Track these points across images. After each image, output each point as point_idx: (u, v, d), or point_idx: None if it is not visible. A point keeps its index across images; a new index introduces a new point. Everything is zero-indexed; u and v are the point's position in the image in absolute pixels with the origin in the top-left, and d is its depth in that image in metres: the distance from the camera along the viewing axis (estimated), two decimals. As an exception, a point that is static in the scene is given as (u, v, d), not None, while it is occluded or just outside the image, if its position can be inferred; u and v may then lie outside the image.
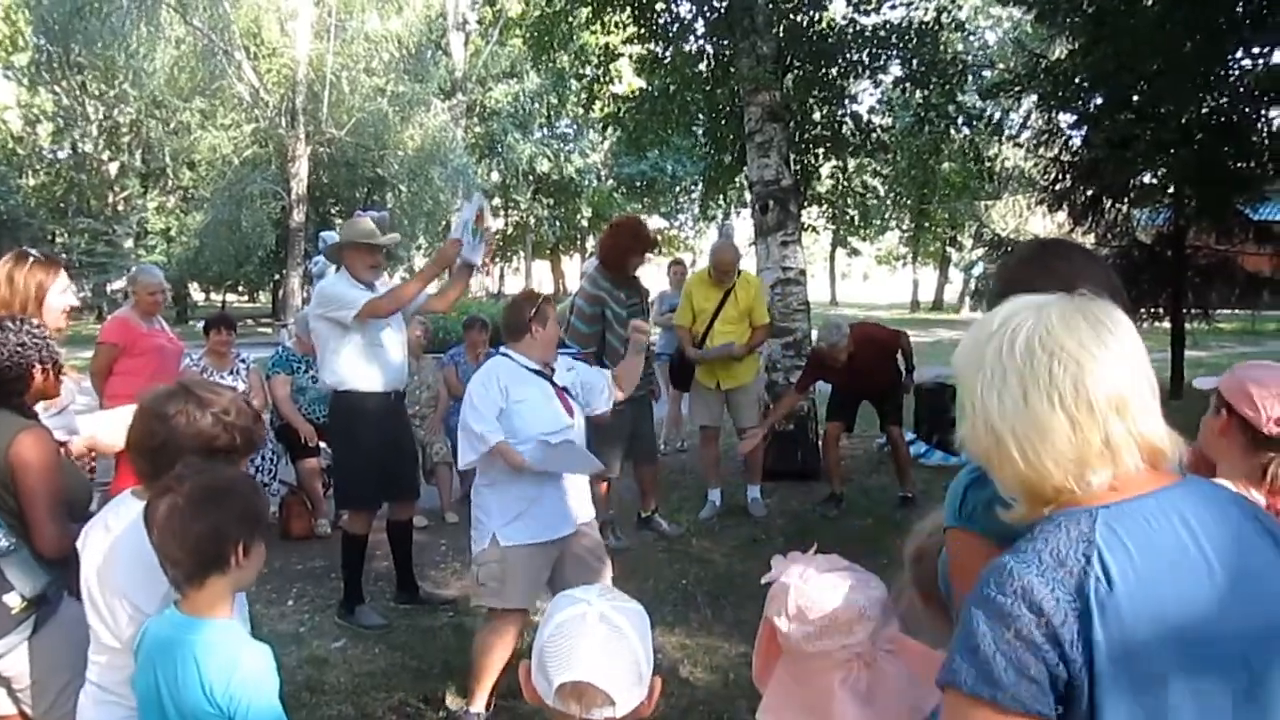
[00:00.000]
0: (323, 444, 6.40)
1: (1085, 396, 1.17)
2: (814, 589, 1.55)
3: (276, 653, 4.35)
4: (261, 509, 2.14)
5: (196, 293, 36.74)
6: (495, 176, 33.26)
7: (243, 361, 6.66)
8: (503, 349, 4.04)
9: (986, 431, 1.23)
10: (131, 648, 2.11)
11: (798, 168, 8.87)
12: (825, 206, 11.55)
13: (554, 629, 1.44)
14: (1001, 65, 16.73)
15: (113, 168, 28.86)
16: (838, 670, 1.54)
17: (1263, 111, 10.26)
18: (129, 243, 28.07)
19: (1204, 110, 9.97)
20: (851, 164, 11.11)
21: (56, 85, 26.26)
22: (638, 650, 1.44)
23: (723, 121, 9.55)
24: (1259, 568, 1.19)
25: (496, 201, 35.61)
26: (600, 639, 1.41)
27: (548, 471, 3.82)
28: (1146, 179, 11.16)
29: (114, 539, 2.18)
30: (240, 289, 36.73)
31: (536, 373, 3.94)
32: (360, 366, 4.87)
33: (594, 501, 6.30)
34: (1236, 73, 10.07)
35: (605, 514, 6.30)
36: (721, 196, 12.43)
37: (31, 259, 3.24)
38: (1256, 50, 9.83)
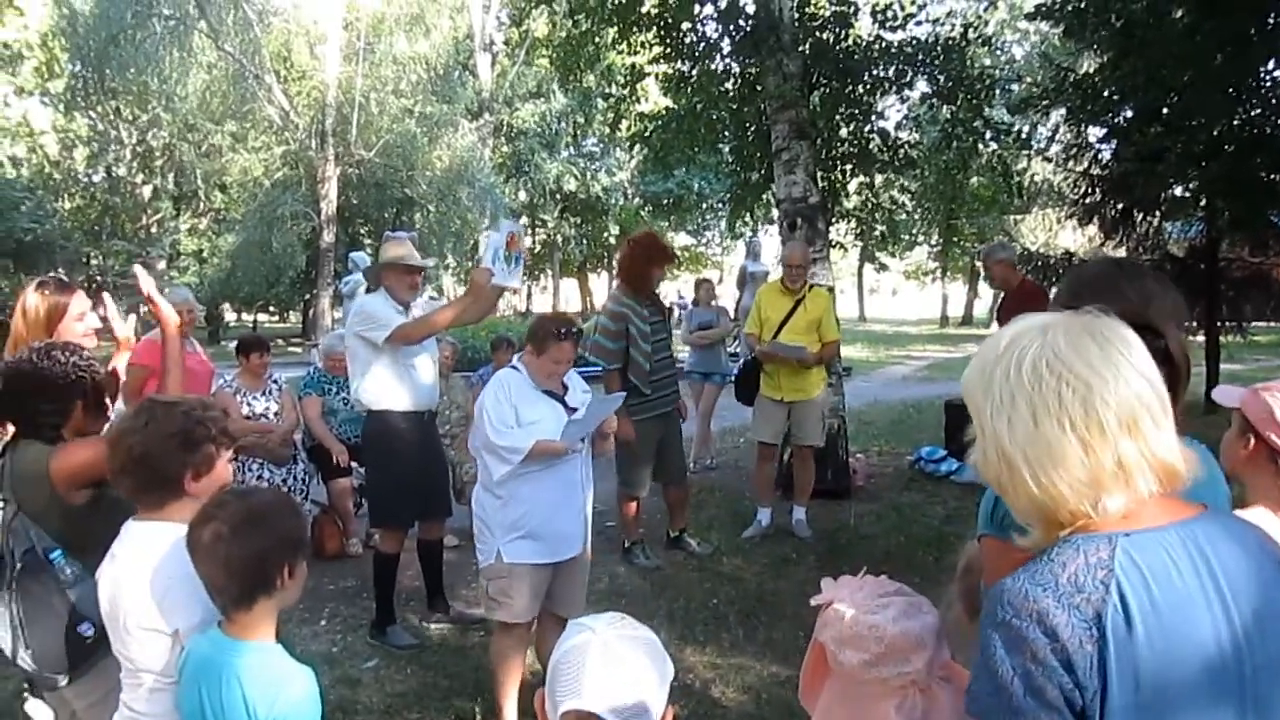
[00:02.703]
0: (354, 464, 6.45)
1: (1096, 418, 1.16)
2: (871, 615, 1.54)
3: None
4: (302, 529, 2.17)
5: (229, 313, 37.11)
6: (522, 196, 33.41)
7: (275, 382, 6.71)
8: (515, 361, 4.06)
9: (998, 457, 1.22)
10: (154, 667, 2.13)
11: (825, 184, 8.85)
12: (853, 223, 11.50)
13: (561, 655, 1.46)
14: (1029, 79, 16.68)
15: (146, 191, 29.28)
16: (893, 697, 1.53)
17: (1295, 122, 10.14)
18: (162, 264, 28.40)
19: (1235, 122, 9.87)
20: (879, 180, 11.07)
21: (91, 110, 26.70)
22: (643, 679, 1.44)
23: (749, 139, 9.55)
24: (1277, 608, 1.17)
25: (524, 220, 35.80)
26: (602, 668, 1.42)
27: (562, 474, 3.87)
28: (1178, 192, 11.05)
29: (123, 568, 2.21)
30: (271, 309, 37.03)
31: (547, 393, 3.93)
32: (392, 387, 4.91)
33: (622, 520, 6.35)
34: (1268, 83, 9.96)
35: (635, 533, 6.32)
36: (749, 214, 12.39)
37: (44, 287, 3.20)
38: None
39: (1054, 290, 10.98)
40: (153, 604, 2.13)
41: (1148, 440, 1.17)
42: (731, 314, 11.58)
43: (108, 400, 2.72)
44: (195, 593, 2.06)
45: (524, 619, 3.88)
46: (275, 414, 6.53)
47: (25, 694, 2.63)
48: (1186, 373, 1.61)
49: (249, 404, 6.44)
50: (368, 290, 6.68)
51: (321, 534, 6.56)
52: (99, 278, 31.30)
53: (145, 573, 2.15)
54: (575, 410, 3.95)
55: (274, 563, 2.00)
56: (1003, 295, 7.81)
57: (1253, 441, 2.13)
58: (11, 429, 2.61)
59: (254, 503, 2.06)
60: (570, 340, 3.90)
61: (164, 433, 2.20)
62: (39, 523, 2.50)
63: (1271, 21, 9.19)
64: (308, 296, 30.17)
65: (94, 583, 2.40)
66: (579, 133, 33.23)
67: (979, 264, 37.30)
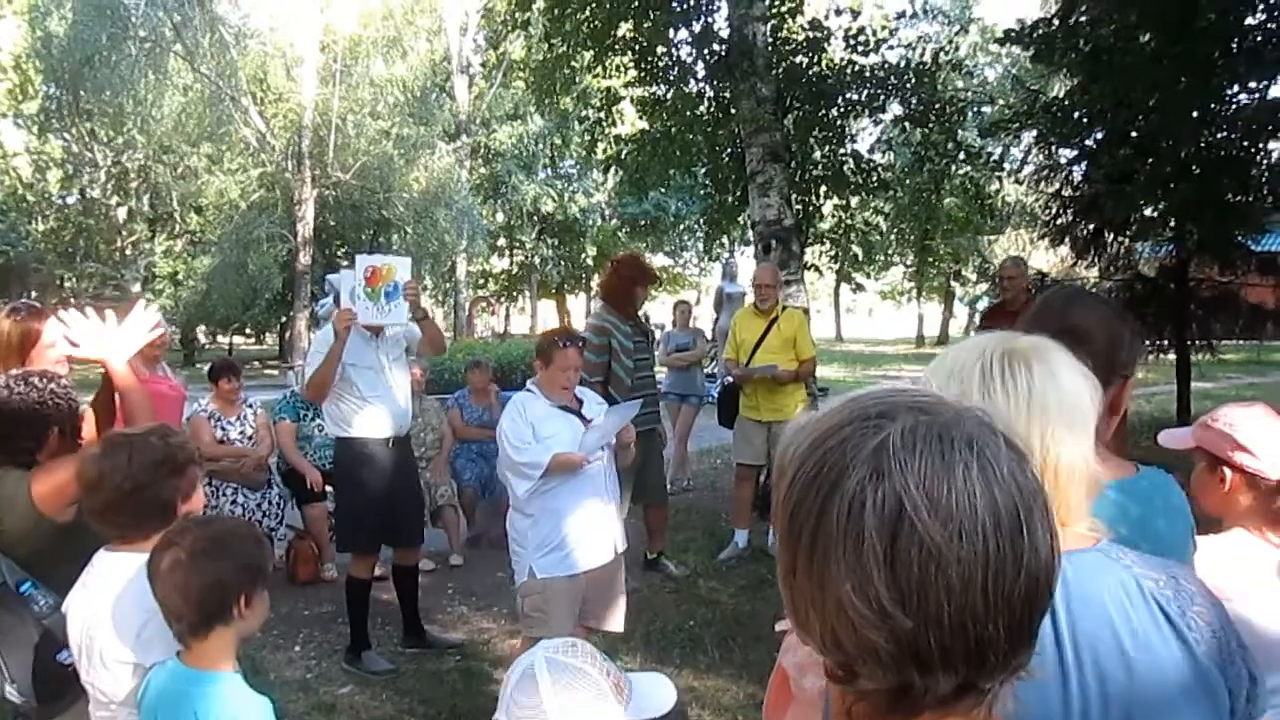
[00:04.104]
0: (329, 488, 6.43)
1: None
2: None
3: (284, 700, 4.34)
4: (263, 558, 2.15)
5: (203, 335, 36.90)
6: (500, 217, 33.48)
7: (250, 406, 6.69)
8: (529, 383, 4.16)
9: None
10: (127, 701, 2.12)
11: (799, 207, 8.93)
12: (828, 245, 11.62)
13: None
14: (1001, 101, 16.88)
15: (121, 213, 29.09)
16: None
17: (1261, 144, 10.30)
18: (137, 286, 28.22)
19: (1202, 144, 10.03)
20: (853, 202, 11.17)
21: (65, 132, 26.54)
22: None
23: (724, 162, 9.64)
24: (1134, 662, 1.12)
25: (501, 242, 35.84)
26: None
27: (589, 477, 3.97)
28: (1148, 213, 11.19)
29: (93, 597, 2.20)
30: (247, 331, 36.86)
31: (563, 408, 4.03)
32: (363, 413, 4.92)
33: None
34: (1232, 108, 10.14)
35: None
36: (725, 236, 12.49)
37: (16, 313, 3.11)
38: (1253, 84, 9.90)
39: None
40: (129, 637, 2.13)
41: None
42: (709, 335, 11.63)
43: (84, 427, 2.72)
44: (165, 626, 2.05)
45: (559, 634, 3.87)
46: (250, 438, 6.51)
47: None
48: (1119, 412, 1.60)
49: (223, 429, 6.42)
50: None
51: (296, 559, 6.53)
52: (73, 300, 31.05)
53: (121, 605, 2.14)
54: (591, 422, 4.06)
55: (232, 591, 1.99)
56: (993, 310, 7.84)
57: (1228, 475, 2.15)
58: None
59: (214, 530, 2.07)
60: (574, 347, 4.05)
61: (150, 462, 2.21)
62: (10, 553, 2.48)
63: (1235, 46, 9.36)
64: (284, 318, 30.07)
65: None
66: (556, 154, 33.33)
67: (955, 285, 37.72)
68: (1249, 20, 9.41)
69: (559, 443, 3.90)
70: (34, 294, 28.85)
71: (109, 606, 2.16)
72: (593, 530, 3.99)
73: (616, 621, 4.27)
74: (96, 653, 2.17)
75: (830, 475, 0.79)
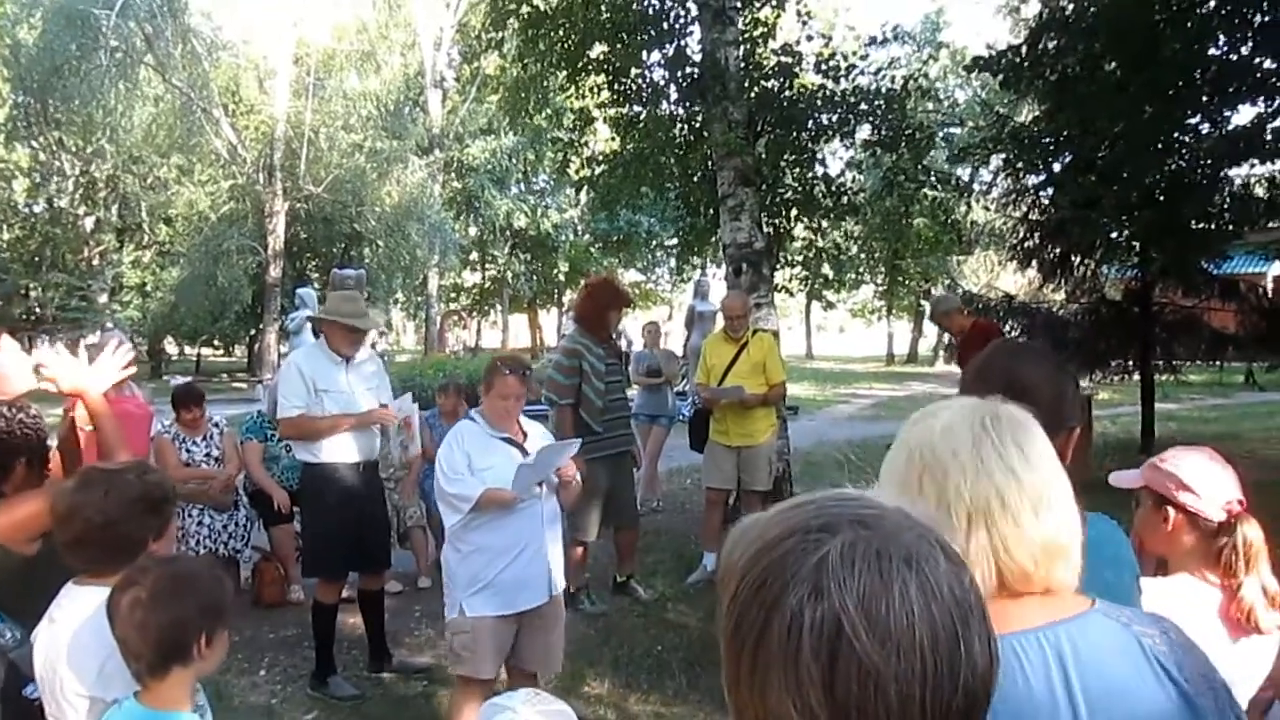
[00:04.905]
0: (296, 509, 6.37)
1: (946, 509, 1.16)
2: None
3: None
4: (224, 598, 2.15)
5: (171, 346, 36.56)
6: (473, 231, 33.43)
7: (216, 425, 6.61)
8: (472, 411, 4.05)
9: None
10: None
11: (770, 230, 8.99)
12: (798, 268, 11.69)
13: None
14: (971, 124, 17.08)
15: (88, 222, 28.81)
16: None
17: (1223, 172, 10.51)
18: (104, 297, 27.96)
19: (1166, 171, 10.21)
20: (824, 224, 11.26)
21: (33, 141, 26.28)
22: None
23: (696, 184, 9.69)
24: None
25: (474, 256, 35.79)
26: None
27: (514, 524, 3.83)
28: (1113, 237, 11.38)
29: (60, 630, 2.19)
30: (216, 343, 36.54)
31: (505, 439, 3.91)
32: (332, 439, 4.91)
33: (568, 565, 6.34)
34: (1192, 137, 10.35)
35: (581, 578, 6.31)
36: (696, 256, 12.56)
37: None
38: (1215, 114, 10.12)
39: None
40: (94, 671, 2.12)
41: (1004, 537, 1.16)
42: (680, 353, 11.66)
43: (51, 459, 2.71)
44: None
45: (487, 675, 3.85)
46: (215, 459, 6.43)
47: None
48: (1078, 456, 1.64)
49: (188, 450, 6.35)
50: (314, 329, 6.64)
51: (262, 580, 6.47)
52: (37, 309, 30.71)
53: (87, 639, 2.13)
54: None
55: (192, 632, 1.99)
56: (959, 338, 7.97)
57: (1171, 514, 2.19)
58: None
59: (176, 570, 2.08)
60: (516, 375, 3.87)
61: (127, 499, 2.21)
62: None
63: (1197, 76, 9.55)
64: (254, 331, 29.87)
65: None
66: (529, 170, 33.36)
67: (925, 304, 38.00)
68: (1211, 50, 9.60)
69: (494, 475, 3.77)
70: (-1, 304, 28.53)
71: (74, 641, 2.15)
72: (527, 570, 3.85)
73: (551, 665, 4.13)
74: (60, 687, 2.15)
75: (772, 590, 0.79)
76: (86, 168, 27.73)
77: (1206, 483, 2.16)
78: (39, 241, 30.23)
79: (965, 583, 0.81)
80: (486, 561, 3.79)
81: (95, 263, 28.74)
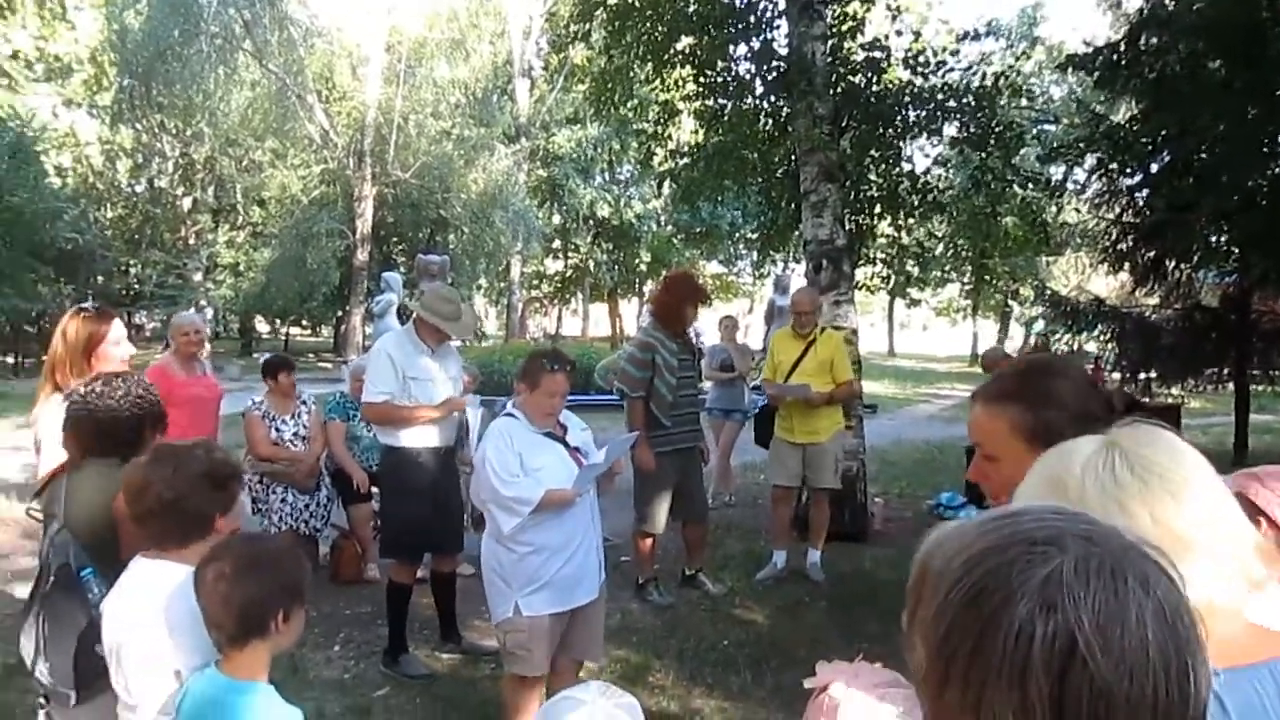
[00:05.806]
0: (375, 489, 6.50)
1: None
2: (863, 710, 1.47)
3: (320, 700, 4.43)
4: (303, 578, 2.23)
5: (262, 325, 37.61)
6: (556, 220, 33.68)
7: (304, 403, 6.73)
8: (510, 407, 3.96)
9: None
10: (154, 707, 2.20)
11: (852, 227, 8.89)
12: (880, 266, 11.51)
13: None
14: (1065, 121, 16.62)
15: (186, 203, 29.76)
16: None
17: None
18: (199, 276, 28.86)
19: (1269, 174, 9.83)
20: (909, 222, 11.09)
21: (137, 123, 27.21)
22: None
23: (778, 180, 9.62)
24: None
25: (556, 244, 36.08)
26: None
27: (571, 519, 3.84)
28: (1211, 240, 11.00)
29: (126, 602, 2.29)
30: (304, 323, 37.50)
31: (548, 435, 3.88)
32: (415, 424, 5.02)
33: (636, 556, 6.39)
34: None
35: (649, 570, 6.35)
36: (776, 252, 12.49)
37: (84, 313, 3.38)
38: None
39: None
40: (157, 643, 2.21)
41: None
42: (760, 347, 11.62)
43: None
44: (199, 634, 2.14)
45: (541, 671, 3.87)
46: (303, 438, 6.57)
47: (41, 707, 2.70)
48: None
49: (277, 429, 6.50)
50: (399, 313, 6.75)
51: (340, 559, 6.64)
52: (136, 285, 31.84)
53: (153, 611, 2.22)
54: (577, 449, 3.94)
55: (270, 608, 2.09)
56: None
57: (1266, 525, 2.08)
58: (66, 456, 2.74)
59: (259, 549, 2.18)
60: (563, 372, 3.81)
61: (194, 474, 2.31)
62: (78, 538, 2.60)
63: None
64: (340, 313, 30.56)
65: None
66: (614, 160, 33.44)
67: (1012, 305, 37.20)
68: (1322, 50, 9.19)
69: (550, 475, 3.73)
70: (100, 279, 29.61)
71: (140, 612, 2.24)
72: (582, 566, 3.87)
73: (596, 652, 4.17)
74: (124, 656, 2.25)
75: (993, 600, 0.77)
76: (186, 149, 28.63)
77: None
78: (139, 220, 31.37)
79: (1190, 609, 0.79)
80: (543, 561, 3.75)
81: (191, 242, 29.68)
